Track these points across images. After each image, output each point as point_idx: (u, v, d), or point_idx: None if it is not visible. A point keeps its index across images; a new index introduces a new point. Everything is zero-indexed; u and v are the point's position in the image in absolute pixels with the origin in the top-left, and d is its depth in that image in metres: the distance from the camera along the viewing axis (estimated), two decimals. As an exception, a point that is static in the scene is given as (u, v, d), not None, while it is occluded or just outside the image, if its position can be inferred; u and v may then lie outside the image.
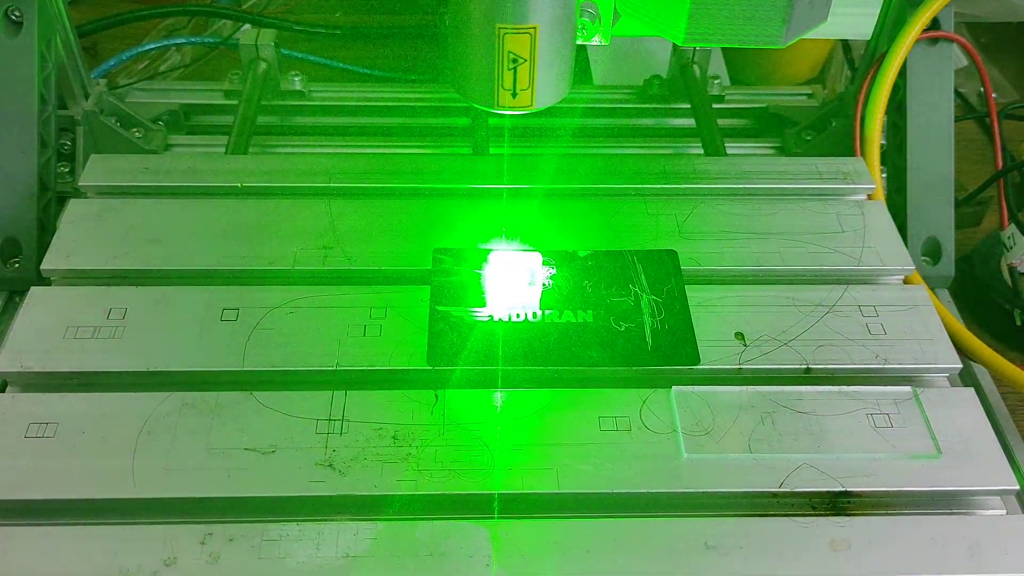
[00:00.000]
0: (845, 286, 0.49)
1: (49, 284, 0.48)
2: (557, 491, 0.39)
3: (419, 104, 0.69)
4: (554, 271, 0.49)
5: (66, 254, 0.48)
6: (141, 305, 0.46)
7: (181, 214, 0.51)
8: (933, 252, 0.57)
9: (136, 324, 0.45)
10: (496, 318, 0.46)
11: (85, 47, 0.65)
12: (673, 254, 0.50)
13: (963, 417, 0.43)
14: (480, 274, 0.48)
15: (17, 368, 0.43)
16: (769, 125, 0.71)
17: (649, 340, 0.45)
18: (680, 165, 0.56)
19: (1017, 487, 0.41)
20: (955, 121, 0.58)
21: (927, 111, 0.58)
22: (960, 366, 0.46)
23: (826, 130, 0.65)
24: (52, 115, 0.56)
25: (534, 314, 0.46)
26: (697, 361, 0.45)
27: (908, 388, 0.44)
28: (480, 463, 0.40)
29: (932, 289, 0.53)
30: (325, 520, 0.38)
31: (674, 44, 0.57)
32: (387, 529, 0.38)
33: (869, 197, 0.55)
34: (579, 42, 0.41)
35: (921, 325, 0.47)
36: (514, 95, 0.40)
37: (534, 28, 0.38)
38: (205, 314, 0.45)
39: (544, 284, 0.48)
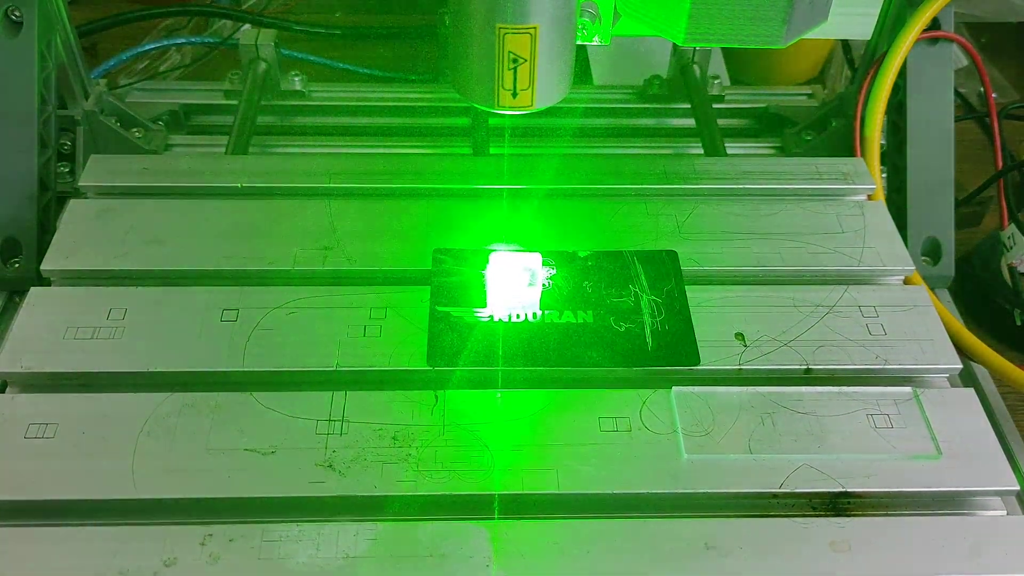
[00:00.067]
0: (845, 286, 0.49)
1: (49, 284, 0.48)
2: (557, 492, 0.39)
3: (419, 104, 0.69)
4: (554, 271, 0.49)
5: (66, 254, 0.48)
6: (141, 305, 0.46)
7: (181, 214, 0.51)
8: (933, 252, 0.57)
9: (136, 324, 0.45)
10: (496, 318, 0.46)
11: (85, 47, 0.65)
12: (673, 254, 0.50)
13: (963, 417, 0.43)
14: (480, 274, 0.48)
15: (17, 368, 0.43)
16: (769, 125, 0.71)
17: (649, 340, 0.45)
18: (680, 165, 0.56)
19: (1017, 487, 0.41)
20: (955, 121, 0.58)
21: (927, 111, 0.58)
22: (960, 366, 0.46)
23: (826, 130, 0.65)
24: (52, 115, 0.56)
25: (534, 314, 0.46)
26: (697, 361, 0.44)
27: (908, 388, 0.44)
28: (480, 464, 0.40)
29: (932, 289, 0.53)
30: (325, 521, 0.38)
31: (674, 44, 0.57)
32: (387, 530, 0.38)
33: (869, 197, 0.55)
34: (579, 42, 0.41)
35: (921, 325, 0.47)
36: (514, 95, 0.40)
37: (534, 28, 0.38)
38: (205, 314, 0.45)
39: (544, 284, 0.48)
